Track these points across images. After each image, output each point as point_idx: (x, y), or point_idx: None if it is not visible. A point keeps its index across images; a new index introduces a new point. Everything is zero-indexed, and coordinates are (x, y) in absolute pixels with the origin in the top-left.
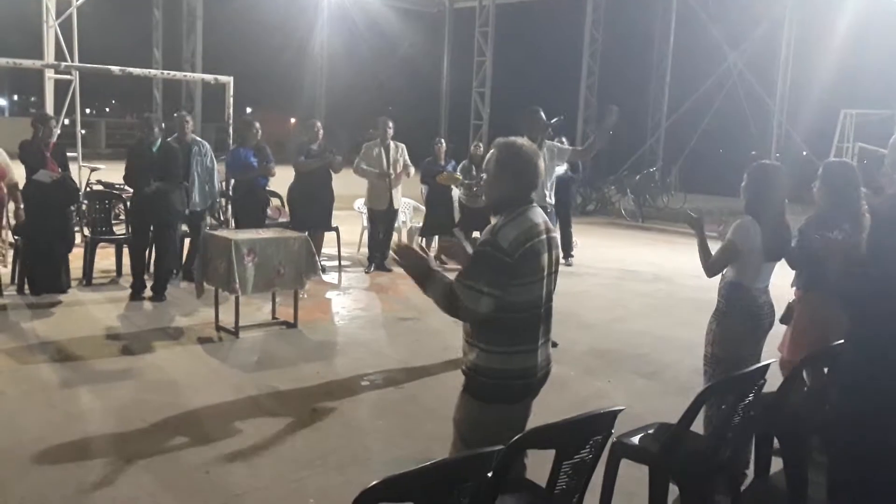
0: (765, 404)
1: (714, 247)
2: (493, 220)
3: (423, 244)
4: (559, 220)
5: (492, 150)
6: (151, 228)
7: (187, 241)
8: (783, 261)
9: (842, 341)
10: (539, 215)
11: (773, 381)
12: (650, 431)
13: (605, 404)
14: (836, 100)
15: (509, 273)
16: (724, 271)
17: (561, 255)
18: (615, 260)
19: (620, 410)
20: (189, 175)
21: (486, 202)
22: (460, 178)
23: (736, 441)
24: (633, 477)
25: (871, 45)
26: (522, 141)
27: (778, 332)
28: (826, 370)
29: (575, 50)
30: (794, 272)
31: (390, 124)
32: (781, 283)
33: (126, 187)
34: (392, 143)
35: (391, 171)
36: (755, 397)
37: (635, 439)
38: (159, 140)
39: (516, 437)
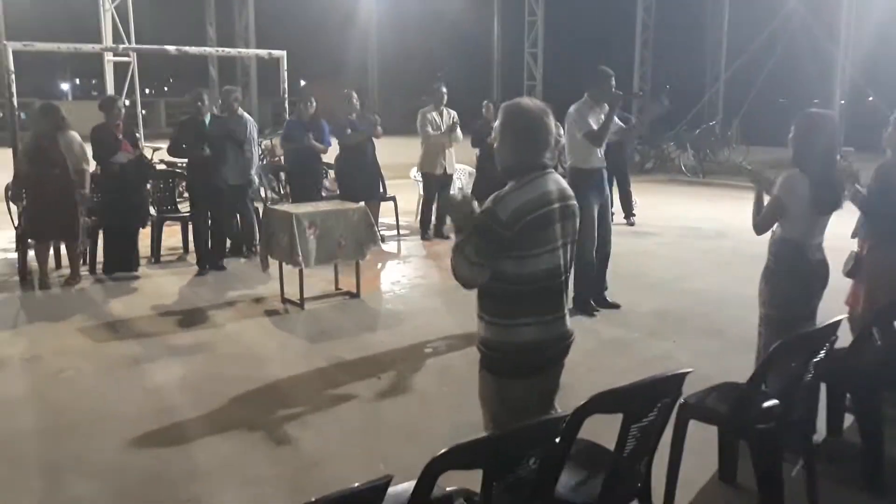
0: (836, 361)
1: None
2: (506, 186)
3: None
4: (616, 180)
5: (499, 114)
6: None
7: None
8: (838, 213)
9: None
10: (553, 182)
11: (843, 335)
12: (717, 392)
13: (671, 365)
14: None
15: (505, 245)
16: (774, 227)
17: (578, 224)
18: (677, 218)
19: (688, 373)
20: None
21: (499, 168)
22: None
23: (807, 399)
24: (702, 437)
25: None
26: (529, 101)
27: (842, 285)
28: None
29: (629, 6)
30: (854, 223)
31: (444, 89)
32: (838, 234)
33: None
34: (445, 109)
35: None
36: (826, 354)
37: (703, 399)
38: (209, 115)
39: (584, 402)
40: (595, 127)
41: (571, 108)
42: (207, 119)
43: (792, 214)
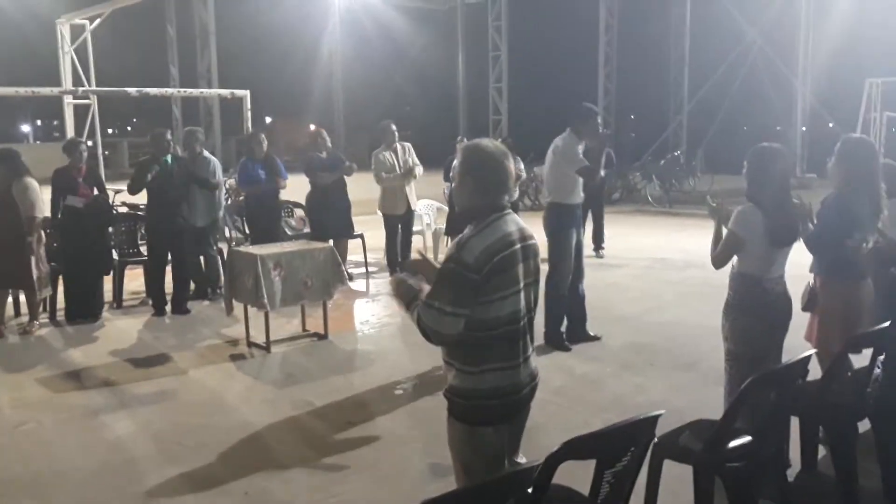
0: (809, 395)
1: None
2: (465, 231)
3: (449, 242)
4: (592, 212)
5: (458, 155)
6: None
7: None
8: (799, 247)
9: (886, 324)
10: (513, 223)
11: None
12: (691, 430)
13: (643, 400)
14: (860, 70)
15: (476, 290)
16: (733, 262)
17: (540, 263)
18: (645, 248)
19: (660, 415)
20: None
21: (458, 210)
22: None
23: (780, 434)
24: (677, 475)
25: (893, 9)
26: (488, 143)
27: (801, 321)
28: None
29: (591, 38)
30: (811, 258)
31: (393, 127)
32: (802, 264)
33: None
34: (398, 145)
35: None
36: (798, 388)
37: (677, 439)
38: (170, 155)
39: (555, 450)
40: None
41: (558, 143)
42: (169, 159)
43: (748, 249)
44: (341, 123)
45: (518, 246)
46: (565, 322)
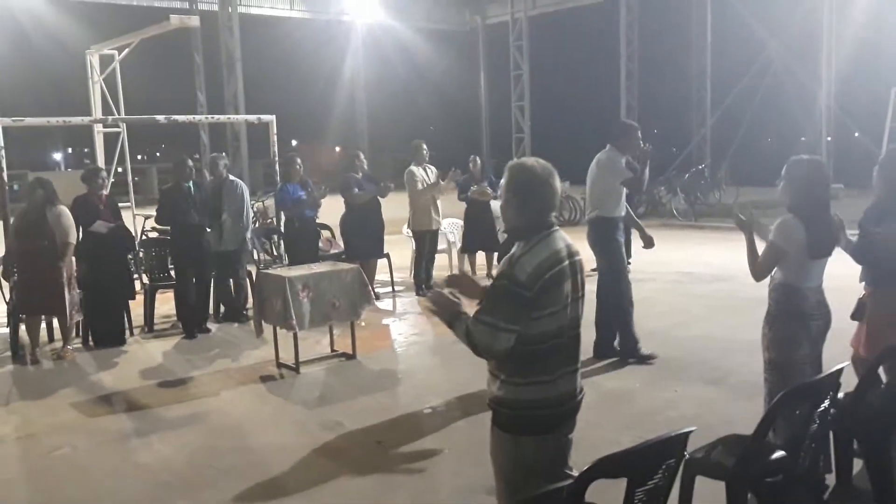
0: (842, 407)
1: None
2: (514, 249)
3: (466, 260)
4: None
5: (505, 174)
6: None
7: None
8: (842, 256)
9: None
10: (561, 240)
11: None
12: (723, 445)
13: (673, 415)
14: (885, 78)
15: (529, 306)
16: (773, 272)
17: (585, 279)
18: (671, 262)
19: (691, 431)
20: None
21: (506, 229)
22: (490, 192)
23: (814, 448)
24: (710, 492)
25: None
26: (533, 161)
27: (847, 326)
28: None
29: (612, 54)
30: (860, 267)
31: (425, 146)
32: (843, 275)
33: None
34: (426, 166)
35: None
36: (831, 401)
37: (709, 454)
38: (192, 181)
39: (586, 469)
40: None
41: (602, 157)
42: (191, 185)
43: (789, 259)
44: (365, 146)
45: (566, 262)
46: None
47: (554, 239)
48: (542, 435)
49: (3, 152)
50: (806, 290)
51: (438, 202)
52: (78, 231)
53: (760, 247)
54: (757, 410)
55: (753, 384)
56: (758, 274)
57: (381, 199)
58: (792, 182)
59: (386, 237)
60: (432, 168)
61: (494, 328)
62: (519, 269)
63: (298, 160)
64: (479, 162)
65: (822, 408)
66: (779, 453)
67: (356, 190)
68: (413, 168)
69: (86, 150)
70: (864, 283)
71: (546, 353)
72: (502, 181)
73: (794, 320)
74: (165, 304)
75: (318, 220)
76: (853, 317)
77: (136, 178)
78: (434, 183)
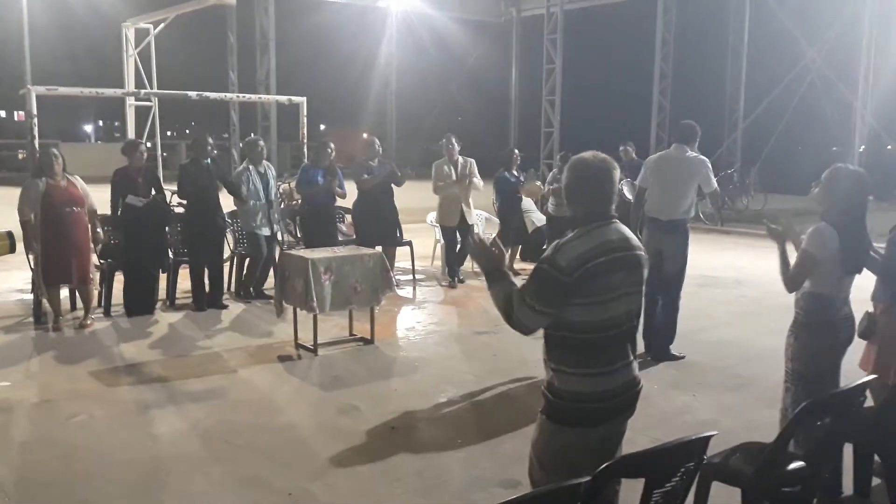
0: (865, 420)
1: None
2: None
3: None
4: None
5: (566, 168)
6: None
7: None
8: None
9: None
10: (615, 231)
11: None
12: (742, 452)
13: (691, 420)
14: None
15: (566, 292)
16: None
17: (645, 273)
18: (695, 266)
19: (713, 436)
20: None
21: (570, 220)
22: (542, 186)
23: (835, 461)
24: (725, 499)
25: None
26: (590, 156)
27: (860, 343)
28: None
29: (646, 53)
30: (874, 283)
31: (454, 141)
32: (860, 287)
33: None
34: (460, 158)
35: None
36: (855, 414)
37: (727, 460)
38: (210, 158)
39: (603, 467)
40: None
41: (699, 159)
42: (209, 162)
43: (821, 269)
44: (393, 132)
45: (619, 254)
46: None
47: (607, 230)
48: (586, 427)
49: (35, 120)
50: (836, 301)
51: (470, 199)
52: (117, 202)
53: (792, 257)
54: (776, 419)
55: (774, 392)
56: (790, 284)
57: (395, 186)
58: (831, 190)
59: (409, 226)
60: (470, 161)
61: (531, 308)
62: (561, 254)
63: (332, 146)
64: (516, 154)
65: (845, 420)
66: (798, 464)
67: (365, 175)
68: (438, 163)
69: (116, 123)
70: (875, 300)
71: (593, 344)
72: (564, 174)
73: (821, 331)
74: (187, 279)
75: (338, 205)
76: (862, 335)
77: (164, 154)
78: (453, 182)
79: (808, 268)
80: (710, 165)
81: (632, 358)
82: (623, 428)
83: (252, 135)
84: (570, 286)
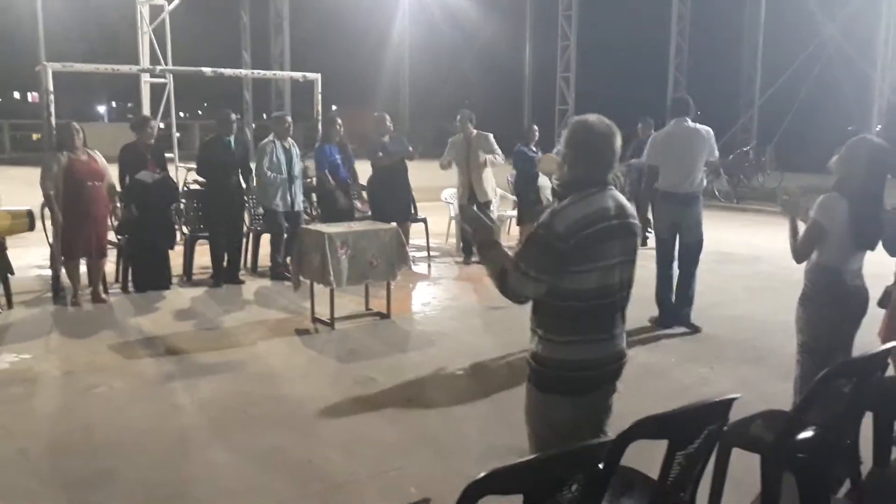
0: (884, 389)
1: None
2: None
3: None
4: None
5: (567, 128)
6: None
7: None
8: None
9: None
10: (611, 199)
11: None
12: (762, 419)
13: (708, 392)
14: None
15: (563, 259)
16: None
17: (638, 242)
18: (712, 242)
19: (736, 398)
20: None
21: (559, 183)
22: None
23: (855, 428)
24: (745, 466)
25: None
26: (595, 118)
27: (877, 315)
28: None
29: (662, 29)
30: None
31: (470, 116)
32: (882, 266)
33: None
34: (475, 133)
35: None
36: (875, 382)
37: (748, 427)
38: (233, 136)
39: (628, 427)
40: None
41: (705, 129)
42: (232, 140)
43: (829, 239)
44: (406, 111)
45: (615, 222)
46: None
47: (604, 196)
48: (576, 397)
49: (52, 96)
50: (844, 273)
51: (484, 175)
52: (124, 178)
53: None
54: (791, 392)
55: (791, 365)
56: (799, 255)
57: (408, 164)
58: (849, 160)
59: (423, 203)
60: (484, 135)
61: (526, 276)
62: (559, 220)
63: (339, 121)
64: (535, 129)
65: (866, 388)
66: (818, 432)
67: (380, 153)
68: (451, 139)
69: (129, 104)
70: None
71: (584, 311)
72: (564, 135)
73: (829, 303)
74: (204, 255)
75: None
76: (880, 304)
77: (178, 134)
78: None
79: (815, 237)
80: (710, 133)
81: (621, 328)
82: (610, 402)
83: (273, 113)
84: (566, 253)
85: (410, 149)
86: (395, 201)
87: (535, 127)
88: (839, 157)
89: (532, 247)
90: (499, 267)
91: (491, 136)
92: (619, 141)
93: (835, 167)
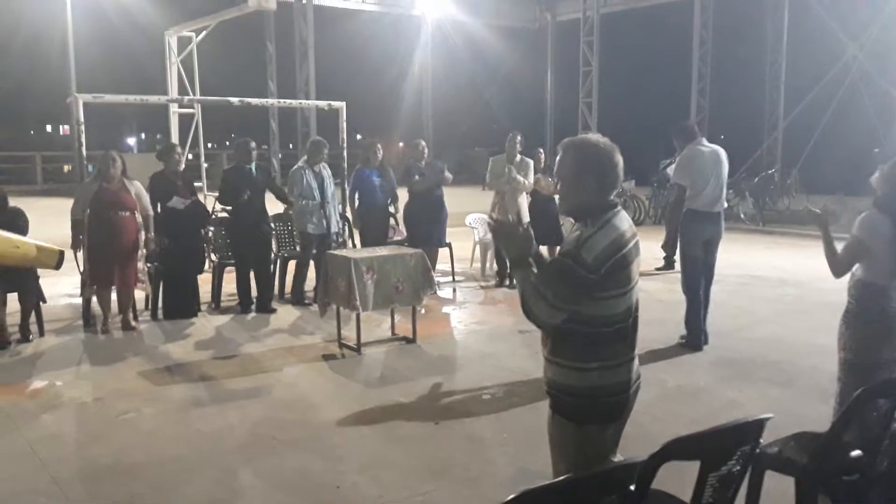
0: None
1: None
2: (576, 228)
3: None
4: None
5: (563, 151)
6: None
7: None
8: None
9: None
10: (626, 220)
11: None
12: (796, 441)
13: (740, 414)
14: None
15: (591, 288)
16: (854, 270)
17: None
18: (738, 265)
19: (769, 418)
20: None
21: (564, 209)
22: (553, 183)
23: (893, 450)
24: (776, 489)
25: None
26: (597, 138)
27: None
28: None
29: (684, 54)
30: None
31: (519, 139)
32: None
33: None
34: (519, 157)
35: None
36: None
37: (780, 449)
38: (254, 163)
39: (660, 448)
40: None
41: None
42: (253, 167)
43: (873, 256)
44: (430, 140)
45: (632, 243)
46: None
47: (620, 219)
48: (611, 422)
49: (83, 127)
50: (890, 290)
51: (520, 199)
52: (155, 207)
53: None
54: (827, 413)
55: (823, 388)
56: (837, 270)
57: (443, 188)
58: (888, 180)
59: (448, 228)
60: (528, 161)
61: (548, 303)
62: (586, 250)
63: (378, 146)
64: (542, 155)
65: None
66: (856, 452)
67: (416, 177)
68: (493, 158)
69: (158, 135)
70: None
71: (613, 336)
72: (560, 159)
73: (875, 320)
74: (232, 282)
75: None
76: None
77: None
78: (496, 179)
79: (856, 254)
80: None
81: (636, 350)
82: (626, 421)
83: (311, 140)
84: (596, 283)
85: (446, 174)
86: (430, 226)
87: (541, 150)
88: (881, 175)
89: (556, 274)
90: (524, 288)
91: (532, 163)
92: (621, 159)
93: (877, 184)
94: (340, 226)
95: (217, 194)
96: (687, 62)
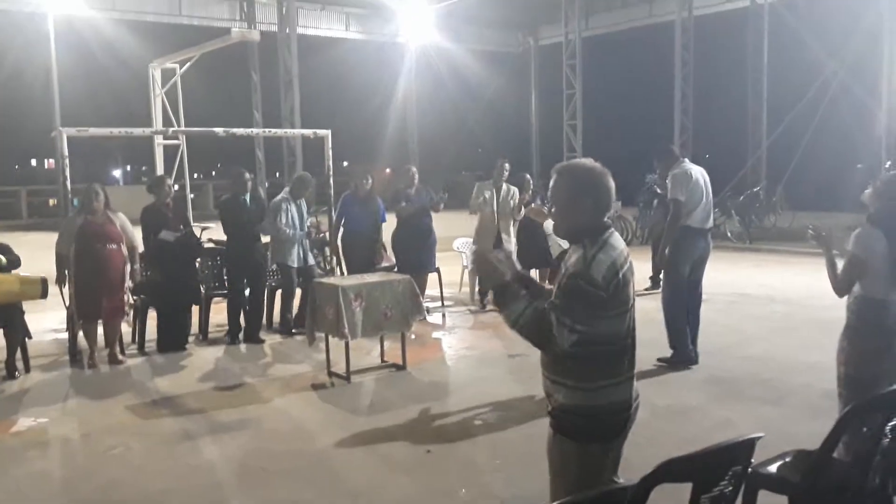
0: None
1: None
2: (575, 250)
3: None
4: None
5: (557, 176)
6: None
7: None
8: None
9: None
10: (620, 240)
11: None
12: (787, 459)
13: (732, 434)
14: None
15: (601, 307)
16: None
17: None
18: (726, 284)
19: (759, 437)
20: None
21: (562, 232)
22: (545, 211)
23: (885, 466)
24: None
25: None
26: (589, 161)
27: None
28: None
29: (666, 74)
30: None
31: (506, 166)
32: None
33: (215, 238)
34: (504, 186)
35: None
36: None
37: (773, 468)
38: (249, 193)
39: (651, 471)
40: None
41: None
42: (248, 197)
43: (871, 270)
44: (416, 164)
45: (629, 262)
46: None
47: (616, 239)
48: (614, 440)
49: (67, 161)
50: (889, 304)
51: (507, 225)
52: (148, 239)
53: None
54: (819, 431)
55: (814, 405)
56: (840, 289)
57: (433, 213)
58: (886, 193)
59: (437, 253)
60: (513, 189)
61: (567, 328)
62: (595, 269)
63: (369, 176)
64: (529, 180)
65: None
66: (847, 469)
67: (403, 203)
68: (479, 183)
69: (143, 167)
70: None
71: (616, 354)
72: (555, 183)
73: (875, 335)
74: (220, 313)
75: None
76: None
77: (192, 195)
78: (477, 204)
79: (856, 270)
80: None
81: (635, 368)
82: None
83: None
84: (606, 301)
85: (435, 199)
86: (422, 252)
87: (528, 176)
88: (874, 191)
89: (571, 297)
90: (535, 314)
91: (517, 191)
92: (612, 181)
93: (869, 200)
94: (315, 258)
95: (211, 225)
96: (669, 82)
